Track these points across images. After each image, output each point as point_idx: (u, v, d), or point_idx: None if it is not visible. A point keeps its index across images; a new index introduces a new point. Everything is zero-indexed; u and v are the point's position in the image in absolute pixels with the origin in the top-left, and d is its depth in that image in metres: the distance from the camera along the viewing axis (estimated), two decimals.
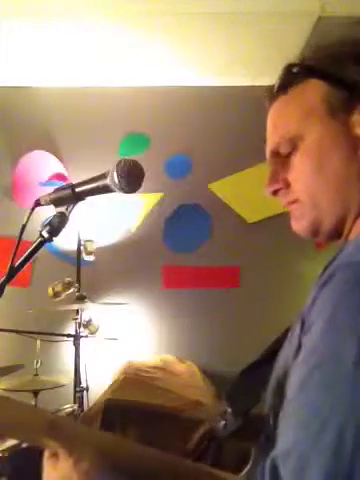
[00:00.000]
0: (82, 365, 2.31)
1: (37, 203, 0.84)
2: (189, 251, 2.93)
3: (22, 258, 0.82)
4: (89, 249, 2.61)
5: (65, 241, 2.74)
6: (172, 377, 2.36)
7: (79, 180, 0.80)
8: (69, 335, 2.33)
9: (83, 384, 2.28)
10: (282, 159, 0.65)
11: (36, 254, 0.82)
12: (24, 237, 0.84)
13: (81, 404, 2.22)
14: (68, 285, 2.40)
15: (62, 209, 0.81)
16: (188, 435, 1.77)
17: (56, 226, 0.81)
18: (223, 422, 0.62)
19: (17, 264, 0.82)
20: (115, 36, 2.48)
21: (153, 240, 2.91)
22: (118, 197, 2.40)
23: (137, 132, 2.98)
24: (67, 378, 2.13)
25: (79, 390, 2.25)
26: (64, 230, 0.82)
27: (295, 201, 0.65)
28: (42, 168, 2.92)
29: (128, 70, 2.86)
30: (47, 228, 0.81)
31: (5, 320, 2.58)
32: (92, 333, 2.46)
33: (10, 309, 2.56)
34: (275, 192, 0.67)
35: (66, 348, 2.58)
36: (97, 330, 2.50)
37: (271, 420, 0.57)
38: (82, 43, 2.55)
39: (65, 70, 2.85)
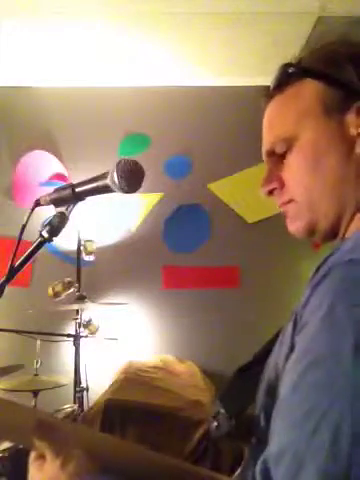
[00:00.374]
0: (82, 365, 2.31)
1: (37, 203, 0.84)
2: (189, 251, 2.93)
3: (22, 258, 0.82)
4: (89, 249, 2.61)
5: (65, 241, 2.74)
6: (172, 377, 2.36)
7: (79, 180, 0.80)
8: (69, 335, 2.32)
9: (83, 384, 2.28)
10: (277, 159, 0.65)
11: (36, 254, 0.82)
12: (24, 237, 0.84)
13: (81, 404, 2.22)
14: (68, 285, 2.40)
15: (62, 209, 0.81)
16: (188, 435, 1.78)
17: (56, 226, 0.81)
18: (216, 423, 0.60)
19: (17, 264, 0.81)
20: (115, 36, 2.48)
21: (153, 240, 2.91)
22: (118, 197, 2.41)
23: (137, 132, 2.98)
24: (67, 378, 2.13)
25: (79, 390, 2.25)
26: (64, 230, 0.82)
27: (290, 201, 0.64)
28: (42, 168, 2.92)
29: (128, 70, 2.87)
30: (47, 228, 0.81)
31: (5, 320, 2.58)
32: (92, 333, 2.46)
33: (10, 309, 2.57)
34: (270, 192, 0.66)
35: (66, 348, 2.58)
36: (97, 330, 2.50)
37: (262, 421, 0.56)
38: (82, 43, 2.56)
39: (65, 70, 2.85)
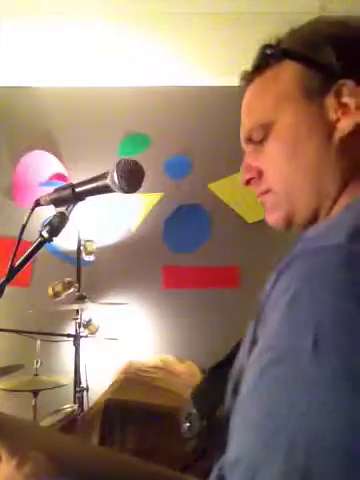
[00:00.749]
0: (82, 365, 2.31)
1: (37, 203, 0.84)
2: (189, 251, 2.93)
3: (22, 258, 0.82)
4: (89, 249, 2.61)
5: (65, 241, 2.74)
6: (172, 377, 2.36)
7: (79, 180, 0.80)
8: (69, 335, 2.33)
9: (83, 384, 2.28)
10: (255, 146, 0.61)
11: (36, 254, 0.82)
12: (24, 237, 0.84)
13: (81, 404, 2.22)
14: (68, 285, 2.40)
15: (62, 209, 0.82)
16: None
17: (56, 226, 0.81)
18: (188, 424, 0.58)
19: (17, 264, 0.82)
20: (115, 36, 2.48)
21: (153, 240, 2.91)
22: (118, 197, 2.40)
23: (137, 132, 2.98)
24: (67, 378, 2.13)
25: (79, 390, 2.25)
26: (64, 230, 0.82)
27: (268, 191, 0.61)
28: (42, 168, 2.92)
29: (128, 70, 2.87)
30: (47, 228, 0.81)
31: (5, 320, 2.58)
32: (92, 333, 2.46)
33: (10, 309, 2.57)
34: (248, 182, 0.63)
35: (66, 348, 2.58)
36: (97, 330, 2.50)
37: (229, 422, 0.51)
38: (82, 43, 2.56)
39: (65, 70, 2.85)
